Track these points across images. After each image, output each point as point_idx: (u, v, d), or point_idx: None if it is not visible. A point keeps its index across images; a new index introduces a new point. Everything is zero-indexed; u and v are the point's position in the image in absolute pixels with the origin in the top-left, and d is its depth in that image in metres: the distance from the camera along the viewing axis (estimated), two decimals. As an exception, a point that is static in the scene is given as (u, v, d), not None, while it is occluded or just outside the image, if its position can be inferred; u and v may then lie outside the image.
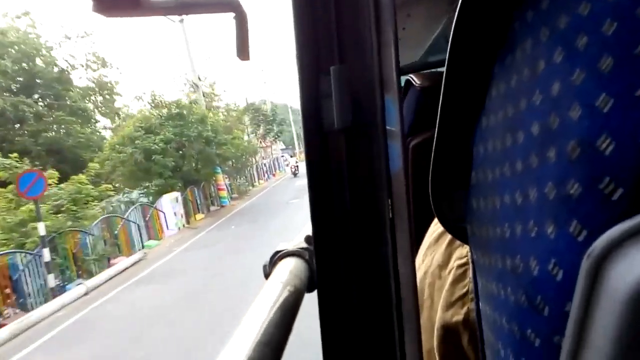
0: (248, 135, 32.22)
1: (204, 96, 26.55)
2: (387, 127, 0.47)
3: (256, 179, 29.02)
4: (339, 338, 0.49)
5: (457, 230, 0.50)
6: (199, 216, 18.21)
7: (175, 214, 16.12)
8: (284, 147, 61.11)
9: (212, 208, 20.22)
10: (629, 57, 0.22)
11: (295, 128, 57.40)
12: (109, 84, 24.65)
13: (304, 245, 0.52)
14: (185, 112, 18.97)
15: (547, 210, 0.28)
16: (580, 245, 0.25)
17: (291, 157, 36.87)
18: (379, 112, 0.47)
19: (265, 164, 33.41)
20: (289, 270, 0.47)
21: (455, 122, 0.41)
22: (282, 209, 15.71)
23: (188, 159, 18.30)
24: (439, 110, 0.42)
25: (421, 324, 0.82)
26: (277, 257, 0.51)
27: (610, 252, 0.21)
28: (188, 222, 17.07)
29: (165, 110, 19.17)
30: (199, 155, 18.57)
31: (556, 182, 0.27)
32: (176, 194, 16.61)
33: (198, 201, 18.75)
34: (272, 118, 36.42)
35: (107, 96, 24.84)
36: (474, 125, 0.39)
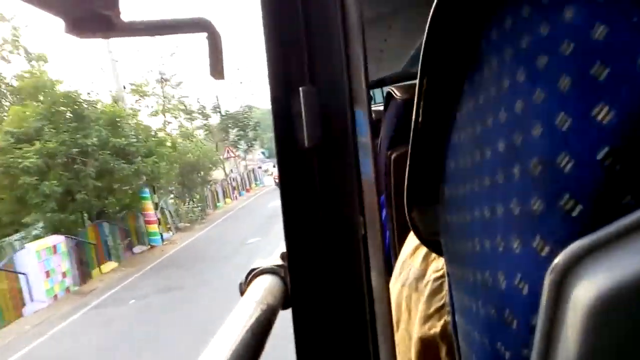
0: (217, 144, 28.12)
1: (164, 98, 23.02)
2: (359, 144, 0.48)
3: (220, 199, 24.13)
4: (314, 355, 0.49)
5: (432, 244, 0.50)
6: (109, 266, 12.20)
7: (51, 272, 9.89)
8: (265, 156, 58.94)
9: (136, 250, 13.95)
10: (585, 77, 0.23)
11: None
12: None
13: (280, 262, 0.52)
14: (83, 110, 12.65)
15: (513, 225, 0.28)
16: (544, 261, 0.25)
17: (275, 166, 35.29)
18: (349, 128, 0.48)
19: (235, 178, 28.33)
20: (264, 287, 0.47)
21: (428, 136, 0.42)
22: (233, 254, 10.64)
23: (84, 181, 11.97)
24: (412, 125, 0.42)
25: (399, 336, 0.82)
26: (252, 275, 0.51)
27: (572, 267, 0.21)
28: (84, 281, 11.06)
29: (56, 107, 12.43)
30: (105, 174, 12.55)
31: (520, 198, 0.27)
32: (57, 239, 10.48)
33: (109, 243, 12.61)
34: (244, 122, 31.35)
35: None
36: (445, 141, 0.40)
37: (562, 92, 0.24)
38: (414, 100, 0.34)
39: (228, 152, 28.18)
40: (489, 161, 0.31)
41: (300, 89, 0.45)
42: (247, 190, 30.54)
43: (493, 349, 0.31)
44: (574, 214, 0.24)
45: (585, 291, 0.20)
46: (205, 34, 0.53)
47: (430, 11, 0.33)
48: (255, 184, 33.75)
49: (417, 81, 0.39)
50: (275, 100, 0.47)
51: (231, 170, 29.79)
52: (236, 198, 26.96)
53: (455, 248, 0.39)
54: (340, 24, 0.47)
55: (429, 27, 0.35)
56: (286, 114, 0.47)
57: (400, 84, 1.47)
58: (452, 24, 0.35)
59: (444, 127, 0.39)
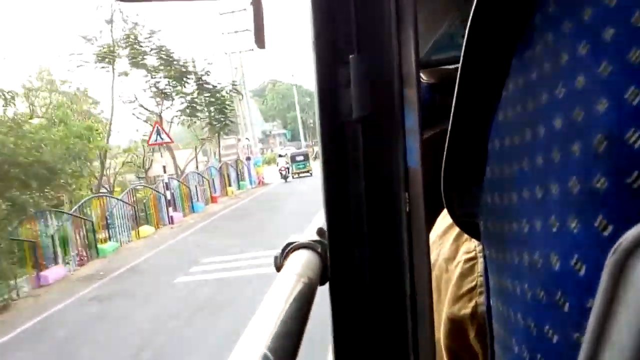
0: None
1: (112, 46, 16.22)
2: (406, 121, 0.47)
3: (124, 236, 12.68)
4: (351, 331, 0.49)
5: (467, 226, 0.49)
6: None
7: None
8: (287, 138, 55.84)
9: None
10: None
11: (303, 116, 51.89)
12: None
13: (316, 237, 0.52)
14: None
15: (571, 204, 0.27)
16: (606, 241, 0.24)
17: (280, 156, 27.92)
18: (397, 104, 0.46)
19: (195, 178, 17.98)
20: (302, 262, 0.47)
21: (470, 116, 0.41)
22: None
23: None
24: (453, 105, 0.42)
25: None
26: (289, 249, 0.51)
27: (637, 248, 0.20)
28: None
29: None
30: None
31: (581, 176, 0.26)
32: None
33: None
34: (221, 101, 21.91)
35: None
36: (489, 120, 0.39)
37: (633, 65, 0.23)
38: (439, 84, 0.34)
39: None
40: (543, 139, 0.30)
41: (350, 57, 0.44)
42: (213, 200, 18.35)
43: (539, 332, 0.30)
44: None
45: None
46: (250, 1, 0.52)
47: (453, 1, 0.32)
48: (238, 185, 22.75)
49: (449, 62, 0.38)
50: (320, 70, 0.46)
51: (178, 171, 19.78)
52: (169, 224, 14.60)
53: (496, 230, 0.38)
54: None
55: (476, 4, 0.34)
56: (331, 85, 0.46)
57: (425, 68, 1.46)
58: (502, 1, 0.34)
59: (487, 106, 0.38)
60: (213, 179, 19.99)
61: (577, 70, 0.27)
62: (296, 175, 26.50)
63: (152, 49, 19.04)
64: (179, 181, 16.97)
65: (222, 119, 22.22)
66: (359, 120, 0.45)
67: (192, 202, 17.12)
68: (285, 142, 58.35)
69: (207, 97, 21.50)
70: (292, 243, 0.52)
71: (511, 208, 0.35)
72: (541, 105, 0.30)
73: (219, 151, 24.47)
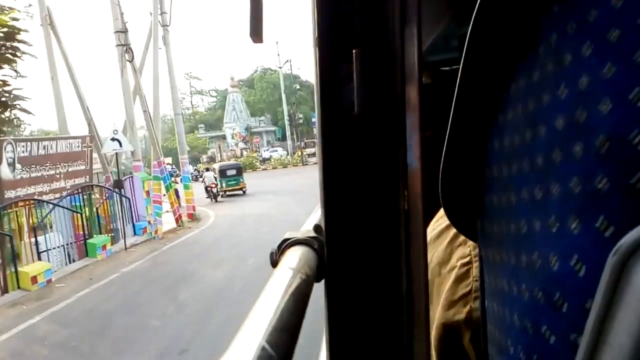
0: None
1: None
2: (407, 119, 0.47)
3: None
4: (345, 329, 0.48)
5: (464, 227, 0.49)
6: None
7: None
8: (277, 136, 49.13)
9: None
10: None
11: (291, 109, 43.78)
12: None
13: (313, 234, 0.51)
14: None
15: (571, 205, 0.27)
16: (606, 242, 0.24)
17: (208, 170, 23.19)
18: (399, 101, 0.46)
19: None
20: (298, 258, 0.46)
21: (470, 116, 0.41)
22: None
23: None
24: (453, 105, 0.41)
25: None
26: (285, 245, 0.50)
27: (638, 249, 0.20)
28: None
29: None
30: None
31: (582, 177, 0.26)
32: None
33: None
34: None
35: None
36: (489, 120, 0.38)
37: (638, 66, 0.23)
38: (434, 85, 0.33)
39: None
40: (544, 139, 0.30)
41: (354, 51, 0.43)
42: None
43: (536, 332, 0.30)
44: None
45: None
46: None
47: (448, 5, 0.32)
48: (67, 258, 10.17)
49: (446, 63, 0.38)
50: (322, 63, 0.46)
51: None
52: None
53: (494, 230, 0.38)
54: None
55: (479, 5, 0.34)
56: (333, 79, 0.45)
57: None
58: (506, 1, 0.34)
59: (487, 107, 0.38)
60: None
61: (581, 70, 0.27)
62: (224, 193, 21.83)
63: None
64: None
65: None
66: (360, 116, 0.44)
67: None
68: (273, 141, 50.81)
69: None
70: (288, 239, 0.51)
71: (510, 208, 0.34)
72: (543, 105, 0.30)
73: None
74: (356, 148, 0.46)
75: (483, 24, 0.35)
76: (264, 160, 41.87)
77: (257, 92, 52.61)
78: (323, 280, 0.49)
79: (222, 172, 22.28)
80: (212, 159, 43.20)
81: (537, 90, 0.31)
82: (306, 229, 0.54)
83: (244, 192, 22.40)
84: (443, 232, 0.84)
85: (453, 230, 0.81)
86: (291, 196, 18.68)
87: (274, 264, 0.49)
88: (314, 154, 38.77)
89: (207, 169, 24.21)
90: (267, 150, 47.19)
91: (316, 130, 0.49)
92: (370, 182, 0.47)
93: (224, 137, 49.34)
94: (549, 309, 0.29)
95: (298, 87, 47.70)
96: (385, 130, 0.46)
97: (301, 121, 43.58)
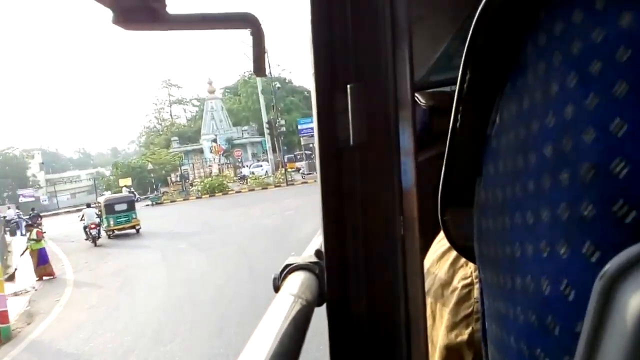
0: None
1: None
2: (401, 145, 0.48)
3: None
4: (347, 353, 0.49)
5: (463, 249, 0.50)
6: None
7: None
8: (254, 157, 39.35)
9: None
10: None
11: (273, 116, 32.85)
12: None
13: (314, 259, 0.53)
14: None
15: (560, 230, 0.28)
16: (593, 266, 0.25)
17: (89, 206, 18.26)
18: (392, 130, 0.48)
19: None
20: (299, 283, 0.47)
21: (466, 140, 0.41)
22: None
23: None
24: (449, 129, 0.42)
25: None
26: (287, 271, 0.52)
27: (623, 274, 0.20)
28: None
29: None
30: None
31: (569, 203, 0.27)
32: None
33: None
34: None
35: None
36: (484, 144, 0.39)
37: (618, 98, 0.24)
38: (437, 107, 0.34)
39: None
40: (534, 166, 0.31)
41: (348, 86, 0.45)
42: None
43: (531, 355, 0.31)
44: (628, 220, 0.23)
45: (637, 299, 0.19)
46: (250, 31, 0.53)
47: (452, 23, 0.33)
48: None
49: (448, 83, 0.39)
50: (320, 96, 0.48)
51: None
52: None
53: (490, 253, 0.38)
54: (389, 22, 0.47)
55: (472, 31, 0.35)
56: (330, 112, 0.47)
57: (423, 91, 1.48)
58: (496, 29, 0.34)
59: (483, 131, 0.39)
60: None
61: (567, 100, 0.27)
62: (112, 233, 17.61)
63: None
64: None
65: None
66: (356, 146, 0.46)
67: None
68: (260, 153, 42.00)
69: None
70: (290, 264, 0.52)
71: (504, 232, 0.35)
72: (533, 133, 0.31)
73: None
74: (353, 176, 0.48)
75: (476, 49, 0.36)
76: (244, 178, 33.51)
77: (241, 99, 46.01)
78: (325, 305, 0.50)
79: (109, 207, 18.01)
80: (183, 178, 36.39)
81: (528, 117, 0.31)
82: (308, 254, 0.55)
83: (138, 230, 18.01)
84: (445, 253, 0.85)
85: (455, 252, 0.81)
86: (221, 256, 10.84)
87: (276, 289, 0.50)
88: (299, 171, 31.82)
89: (89, 205, 18.79)
90: (252, 165, 38.69)
91: (315, 159, 0.51)
92: (367, 209, 0.48)
93: (201, 151, 42.81)
94: (542, 332, 0.29)
95: (278, 86, 38.15)
96: (380, 158, 0.48)
97: (283, 129, 33.67)
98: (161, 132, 52.19)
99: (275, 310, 0.39)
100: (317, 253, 0.52)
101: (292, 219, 13.78)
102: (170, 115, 56.25)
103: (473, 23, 0.35)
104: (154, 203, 31.64)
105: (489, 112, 0.38)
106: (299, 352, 0.36)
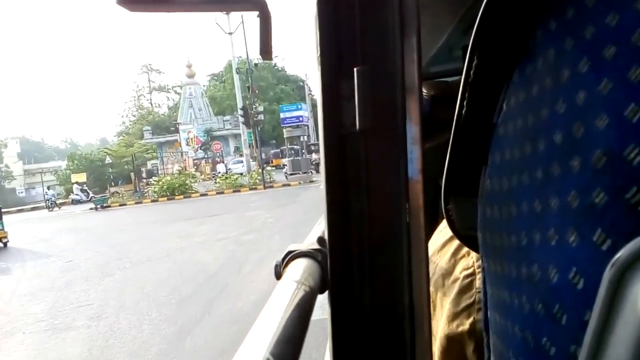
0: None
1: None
2: (407, 132, 0.47)
3: None
4: (349, 341, 0.49)
5: (467, 238, 0.49)
6: None
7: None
8: (248, 141, 27.26)
9: None
10: None
11: (245, 101, 27.03)
12: None
13: (317, 246, 0.52)
14: None
15: (570, 218, 0.27)
16: (604, 255, 0.24)
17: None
18: (399, 115, 0.47)
19: None
20: (302, 270, 0.47)
21: (471, 129, 0.41)
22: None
23: None
24: (454, 118, 0.42)
25: None
26: (289, 257, 0.51)
27: (635, 262, 0.20)
28: None
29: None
30: None
31: (580, 190, 0.27)
32: None
33: None
34: None
35: None
36: (491, 133, 0.39)
37: (633, 83, 0.23)
38: (439, 96, 0.34)
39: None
40: (543, 153, 0.30)
41: (355, 69, 0.45)
42: None
43: (537, 344, 0.31)
44: None
45: None
46: (257, 13, 0.52)
47: (452, 14, 0.32)
48: None
49: (448, 74, 0.39)
50: (325, 81, 0.47)
51: None
52: None
53: (495, 242, 0.38)
54: (397, 3, 0.46)
55: (480, 16, 0.35)
56: (336, 97, 0.46)
57: (425, 80, 1.47)
58: (505, 13, 0.34)
59: (489, 119, 0.39)
60: None
61: (578, 86, 0.27)
62: None
63: None
64: None
65: None
66: (362, 132, 0.45)
67: None
68: (242, 147, 30.79)
69: None
70: (292, 251, 0.52)
71: (510, 220, 0.35)
72: (542, 119, 0.31)
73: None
74: (358, 162, 0.47)
75: (483, 37, 0.36)
76: (222, 176, 27.28)
77: (226, 85, 41.02)
78: (327, 292, 0.49)
79: None
80: (151, 174, 31.40)
81: (537, 104, 0.31)
82: (310, 242, 0.54)
83: (5, 244, 14.74)
84: (447, 243, 0.85)
85: (456, 242, 0.81)
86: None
87: (278, 276, 0.50)
88: (283, 168, 26.11)
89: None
90: (232, 160, 33.08)
91: (320, 146, 0.50)
92: (372, 195, 0.47)
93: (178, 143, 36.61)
94: (549, 320, 0.29)
95: (255, 63, 31.38)
96: (386, 144, 0.47)
97: (261, 117, 28.11)
98: (136, 122, 47.22)
99: (278, 296, 0.39)
100: (320, 240, 0.52)
101: (247, 253, 8.89)
102: (151, 103, 51.81)
103: (481, 8, 0.34)
104: (98, 206, 25.90)
105: (496, 99, 0.38)
106: (303, 338, 0.35)
